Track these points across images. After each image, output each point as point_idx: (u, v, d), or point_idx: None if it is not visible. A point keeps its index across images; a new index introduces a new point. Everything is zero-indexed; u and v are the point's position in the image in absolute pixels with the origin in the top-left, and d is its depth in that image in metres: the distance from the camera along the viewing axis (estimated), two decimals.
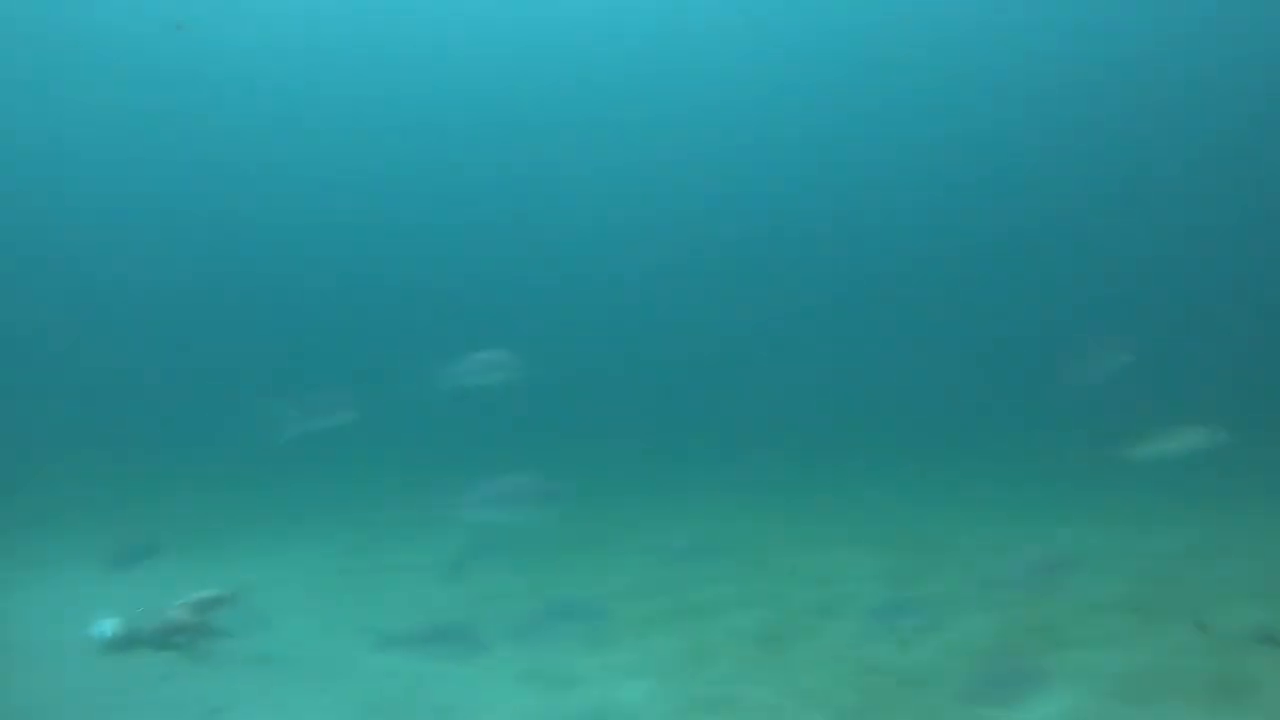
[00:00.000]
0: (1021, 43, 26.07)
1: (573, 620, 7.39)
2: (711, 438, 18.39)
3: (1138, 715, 5.64)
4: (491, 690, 6.48)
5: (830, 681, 6.46)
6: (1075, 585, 7.98)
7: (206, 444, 17.69)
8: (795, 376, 23.19)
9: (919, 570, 9.47)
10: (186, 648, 7.38)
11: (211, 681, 6.74)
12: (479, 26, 26.53)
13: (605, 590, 9.06)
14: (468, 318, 25.63)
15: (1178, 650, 6.72)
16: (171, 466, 17.24)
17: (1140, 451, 6.80)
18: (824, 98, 28.34)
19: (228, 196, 27.71)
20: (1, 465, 15.53)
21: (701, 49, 26.89)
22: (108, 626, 7.52)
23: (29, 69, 24.04)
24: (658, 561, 10.07)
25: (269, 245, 28.54)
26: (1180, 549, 9.79)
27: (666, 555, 10.17)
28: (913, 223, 27.96)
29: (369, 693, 6.50)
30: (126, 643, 7.47)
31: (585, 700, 6.30)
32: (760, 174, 29.39)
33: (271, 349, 24.53)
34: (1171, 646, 6.81)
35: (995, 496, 13.34)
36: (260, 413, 7.41)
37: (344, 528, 12.50)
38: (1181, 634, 7.08)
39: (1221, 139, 25.56)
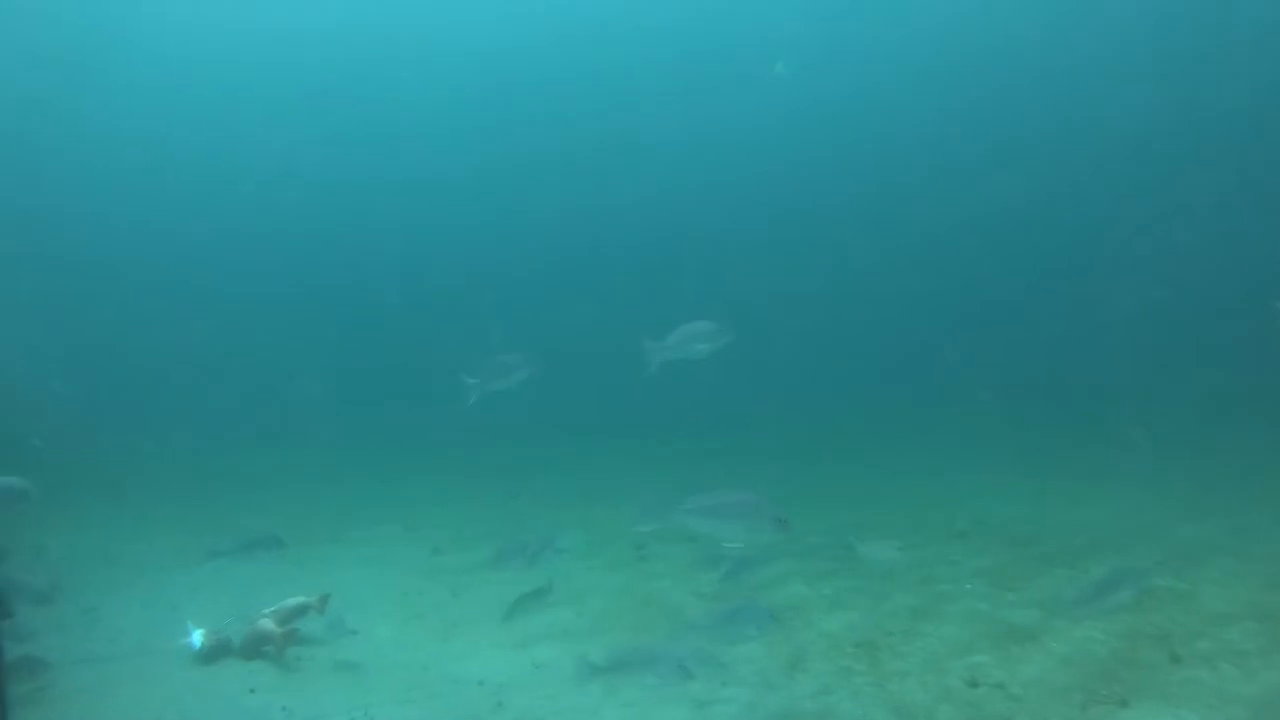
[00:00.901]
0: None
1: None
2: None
3: None
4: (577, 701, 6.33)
5: (931, 696, 6.11)
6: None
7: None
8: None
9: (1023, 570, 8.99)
10: (274, 657, 7.41)
11: (298, 692, 6.72)
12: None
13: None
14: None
15: None
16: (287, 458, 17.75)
17: None
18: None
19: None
20: (110, 465, 16.08)
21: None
22: (198, 637, 7.61)
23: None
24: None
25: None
26: None
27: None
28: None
29: (457, 704, 6.40)
30: (216, 653, 7.55)
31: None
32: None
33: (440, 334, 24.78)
34: None
35: (1086, 490, 12.68)
36: (451, 379, 7.58)
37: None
38: None
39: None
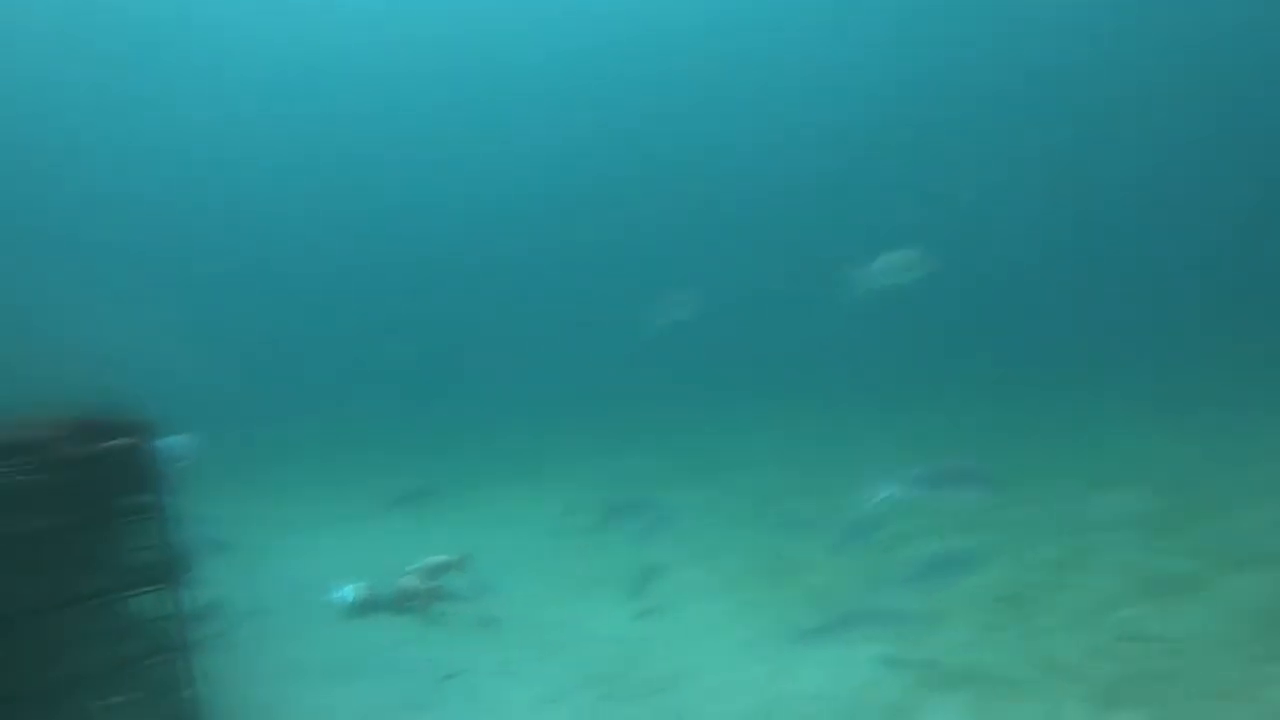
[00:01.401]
0: None
1: None
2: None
3: None
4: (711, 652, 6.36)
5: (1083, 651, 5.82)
6: None
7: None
8: None
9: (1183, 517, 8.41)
10: (420, 612, 7.76)
11: (442, 646, 7.01)
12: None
13: None
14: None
15: None
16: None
17: None
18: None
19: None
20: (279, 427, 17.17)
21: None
22: (350, 591, 8.05)
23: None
24: None
25: None
26: None
27: None
28: None
29: (593, 660, 6.53)
30: (367, 606, 7.97)
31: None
32: None
33: None
34: None
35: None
36: (830, 278, 7.83)
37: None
38: None
39: None
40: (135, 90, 27.26)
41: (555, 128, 31.59)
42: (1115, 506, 8.94)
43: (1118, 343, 17.51)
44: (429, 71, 30.72)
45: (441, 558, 8.39)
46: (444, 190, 31.61)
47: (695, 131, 30.40)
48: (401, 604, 7.95)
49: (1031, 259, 24.22)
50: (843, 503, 7.75)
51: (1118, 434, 12.08)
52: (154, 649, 5.34)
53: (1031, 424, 13.74)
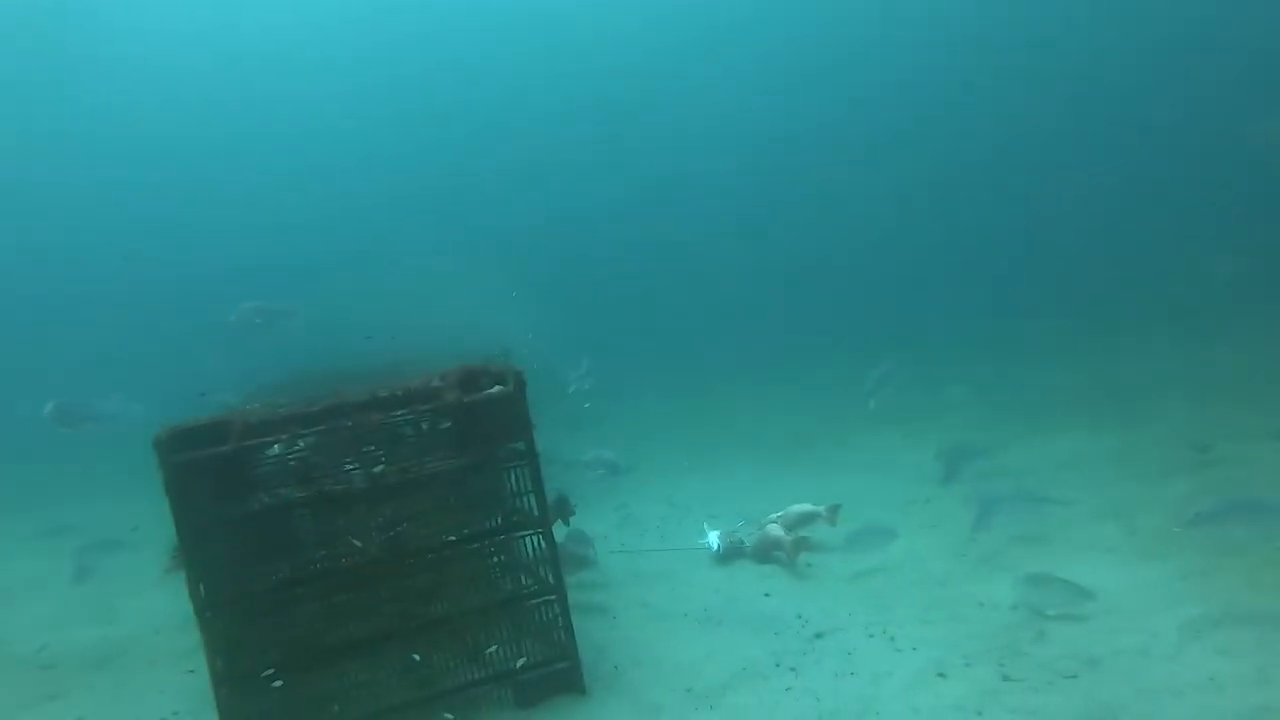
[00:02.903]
0: None
1: None
2: None
3: None
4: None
5: None
6: None
7: None
8: None
9: None
10: (785, 563, 7.41)
11: (811, 600, 6.59)
12: None
13: None
14: None
15: None
16: None
17: None
18: None
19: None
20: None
21: None
22: (714, 538, 7.91)
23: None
24: None
25: None
26: None
27: None
28: None
29: (985, 629, 5.75)
30: (731, 554, 7.79)
31: None
32: None
33: None
34: None
35: None
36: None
37: None
38: None
39: None
40: None
41: None
42: None
43: None
44: None
45: (806, 506, 7.98)
46: None
47: None
48: (766, 553, 7.67)
49: None
50: None
51: None
52: (532, 590, 5.49)
53: None
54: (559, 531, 7.76)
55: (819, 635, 5.93)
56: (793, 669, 5.48)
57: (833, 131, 28.51)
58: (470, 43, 28.54)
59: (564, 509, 8.06)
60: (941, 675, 5.16)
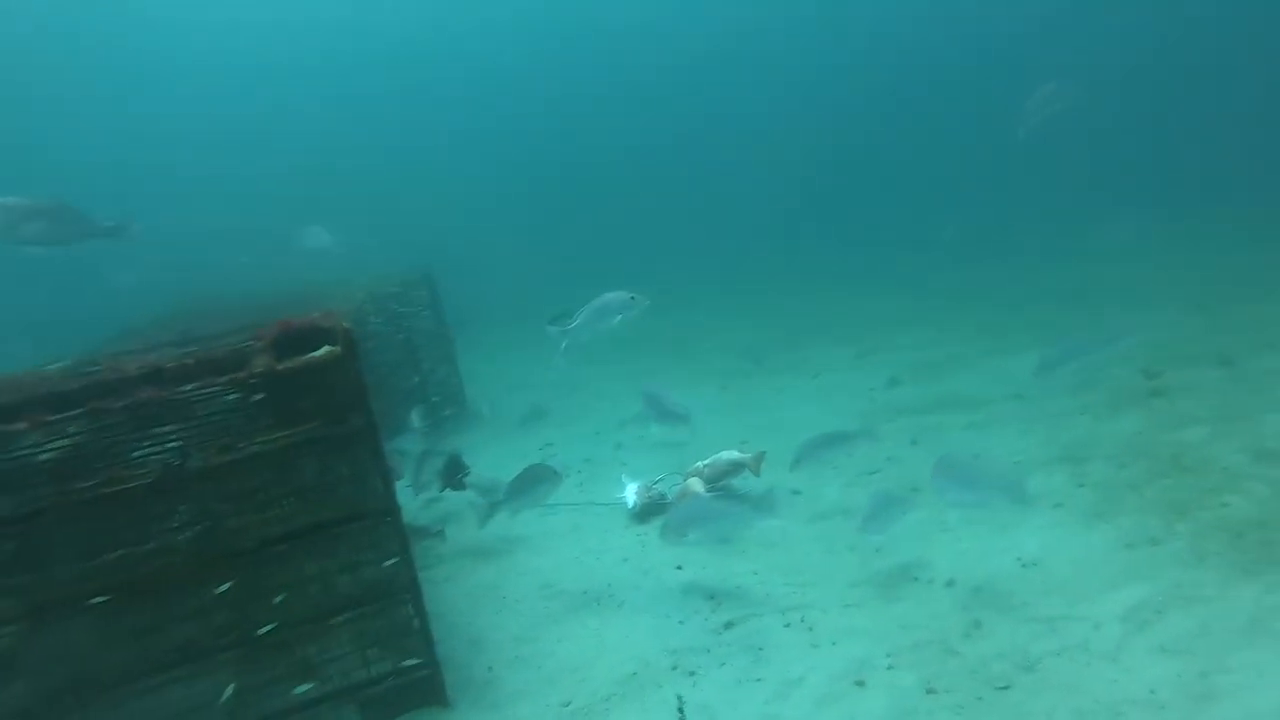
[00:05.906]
0: None
1: None
2: None
3: None
4: None
5: None
6: None
7: None
8: None
9: None
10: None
11: (726, 573, 5.74)
12: None
13: None
14: None
15: None
16: None
17: None
18: None
19: None
20: None
21: None
22: (631, 494, 7.04)
23: None
24: None
25: None
26: None
27: None
28: None
29: (916, 615, 4.93)
30: (649, 511, 6.93)
31: None
32: None
33: None
34: None
35: None
36: None
37: None
38: None
39: None
40: None
41: None
42: None
43: None
44: None
45: (733, 454, 7.08)
46: None
47: None
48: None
49: None
50: None
51: None
52: (378, 588, 4.59)
53: None
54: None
55: (728, 625, 5.08)
56: (691, 673, 4.65)
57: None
58: None
59: (455, 474, 7.18)
60: (859, 684, 4.34)
